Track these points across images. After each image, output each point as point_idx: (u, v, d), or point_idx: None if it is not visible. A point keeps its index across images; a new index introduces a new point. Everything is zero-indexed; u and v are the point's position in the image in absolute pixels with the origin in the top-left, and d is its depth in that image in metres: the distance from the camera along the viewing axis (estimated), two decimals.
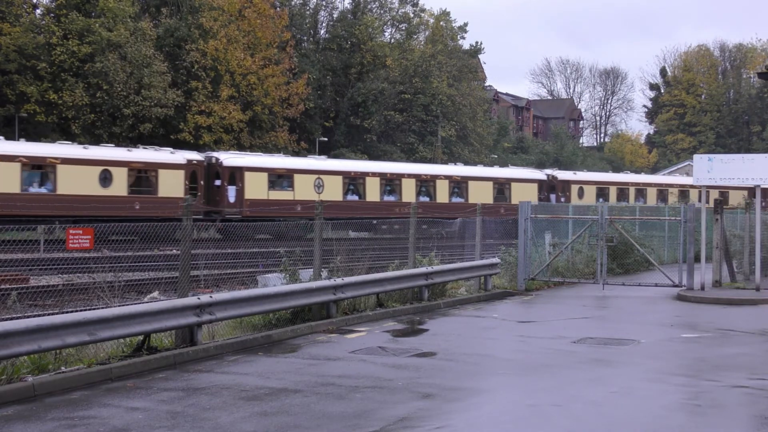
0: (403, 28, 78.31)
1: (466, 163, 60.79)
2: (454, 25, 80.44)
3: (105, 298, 13.94)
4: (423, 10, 79.05)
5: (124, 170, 38.29)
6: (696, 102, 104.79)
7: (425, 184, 47.98)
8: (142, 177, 39.37)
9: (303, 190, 42.55)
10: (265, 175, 42.00)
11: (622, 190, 55.62)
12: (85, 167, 37.23)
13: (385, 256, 24.50)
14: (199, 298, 12.40)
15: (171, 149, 43.07)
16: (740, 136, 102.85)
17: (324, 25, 75.61)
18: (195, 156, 41.74)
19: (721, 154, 25.84)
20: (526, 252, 21.90)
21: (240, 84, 55.63)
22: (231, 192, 41.14)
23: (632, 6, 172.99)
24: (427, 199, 46.77)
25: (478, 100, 78.47)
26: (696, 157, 22.19)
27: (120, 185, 37.94)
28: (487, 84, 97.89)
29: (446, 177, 48.61)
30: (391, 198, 46.22)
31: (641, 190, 56.64)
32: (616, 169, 75.40)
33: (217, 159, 41.91)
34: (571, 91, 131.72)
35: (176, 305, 12.01)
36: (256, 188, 41.31)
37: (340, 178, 44.68)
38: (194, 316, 12.22)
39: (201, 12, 55.93)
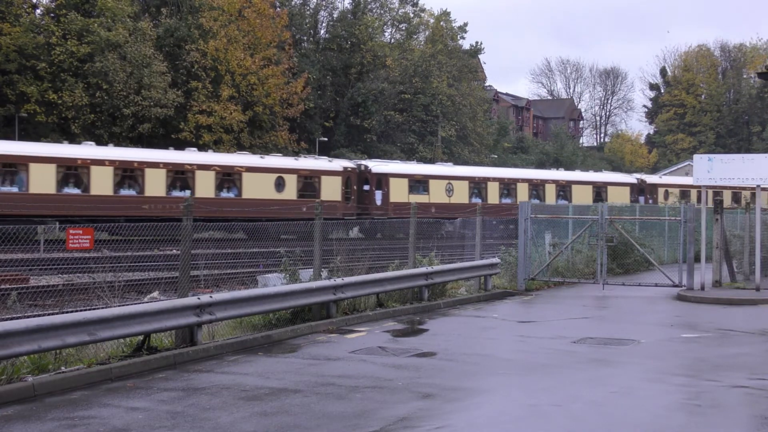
0: (403, 28, 78.35)
1: (567, 169, 65.74)
2: (454, 25, 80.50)
3: (105, 298, 13.94)
4: (423, 10, 79.16)
5: (294, 177, 43.02)
6: (696, 102, 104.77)
7: (536, 188, 52.22)
8: (308, 183, 43.81)
9: (436, 194, 47.58)
10: (405, 180, 47.02)
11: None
12: (264, 174, 41.85)
13: (385, 256, 24.52)
14: (199, 298, 12.39)
15: (328, 158, 47.48)
16: (740, 136, 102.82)
17: (324, 25, 75.60)
18: (348, 164, 46.82)
19: (721, 154, 25.83)
20: (526, 252, 21.89)
21: (240, 84, 55.63)
22: (378, 196, 46.28)
23: (632, 6, 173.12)
24: (536, 201, 50.14)
25: (478, 100, 78.51)
26: (696, 157, 22.20)
27: (291, 190, 42.51)
28: (487, 84, 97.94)
29: (553, 181, 53.18)
30: (508, 200, 50.09)
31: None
32: (616, 170, 75.83)
33: (366, 166, 47.02)
34: (571, 91, 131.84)
35: (176, 305, 12.01)
36: (398, 192, 46.12)
37: (466, 183, 49.45)
38: (194, 316, 12.22)
39: (201, 12, 55.91)
